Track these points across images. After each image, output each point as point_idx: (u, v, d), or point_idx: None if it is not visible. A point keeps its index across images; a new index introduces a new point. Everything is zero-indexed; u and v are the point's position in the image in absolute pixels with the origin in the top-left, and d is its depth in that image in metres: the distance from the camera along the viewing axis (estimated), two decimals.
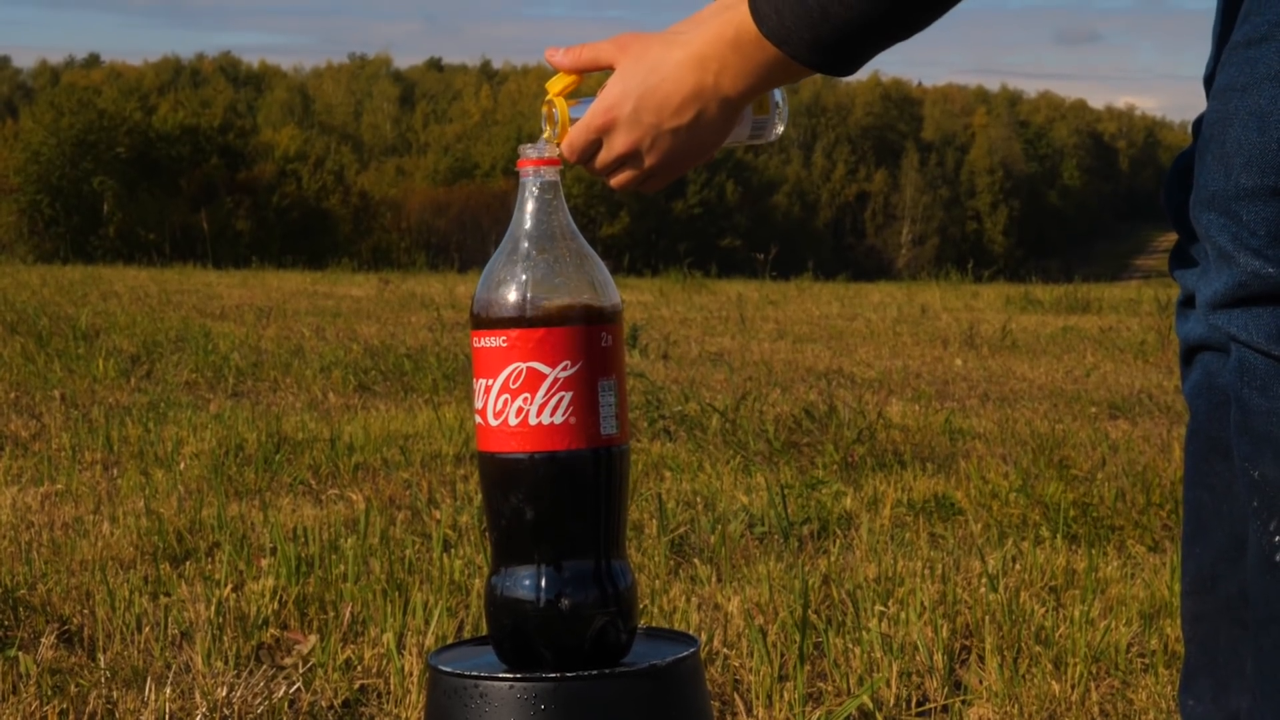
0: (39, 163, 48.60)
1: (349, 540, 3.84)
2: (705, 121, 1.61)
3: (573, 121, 1.64)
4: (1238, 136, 1.43)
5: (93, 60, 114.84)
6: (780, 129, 1.73)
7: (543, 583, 1.59)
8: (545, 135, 1.64)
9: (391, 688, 2.83)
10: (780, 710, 2.76)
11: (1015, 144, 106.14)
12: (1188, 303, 1.70)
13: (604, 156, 1.64)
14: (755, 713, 2.77)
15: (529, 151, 1.63)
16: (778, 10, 1.52)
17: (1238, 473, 1.49)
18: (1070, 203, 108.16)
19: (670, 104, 1.60)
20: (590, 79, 1.69)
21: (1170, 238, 1.76)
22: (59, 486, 4.69)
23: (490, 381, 1.59)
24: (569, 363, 1.58)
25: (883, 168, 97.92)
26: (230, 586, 3.38)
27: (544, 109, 1.66)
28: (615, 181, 1.67)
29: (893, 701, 2.84)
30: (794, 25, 1.51)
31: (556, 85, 1.66)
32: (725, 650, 3.03)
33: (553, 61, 1.70)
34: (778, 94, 1.71)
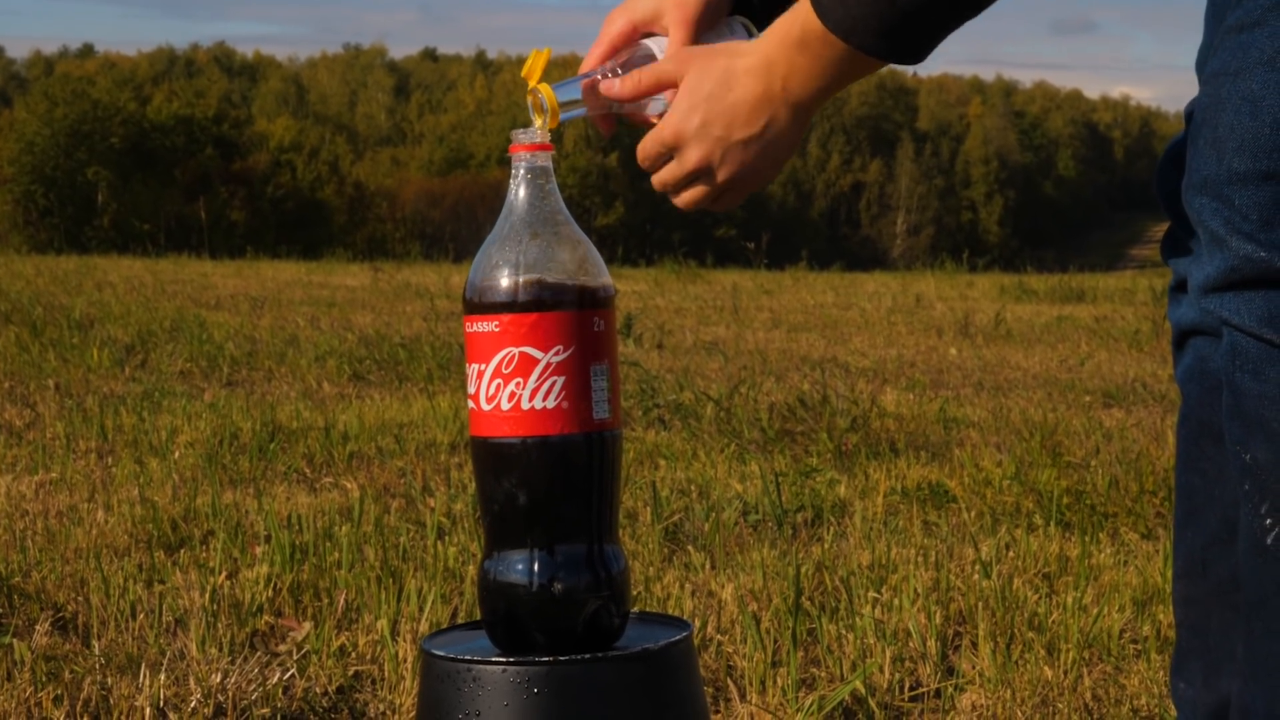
0: (33, 153, 48.60)
1: (343, 528, 3.84)
2: (776, 130, 1.57)
3: (561, 104, 1.64)
4: (1230, 121, 1.44)
5: (87, 50, 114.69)
6: None
7: (535, 567, 1.60)
8: (537, 124, 1.64)
9: (385, 674, 2.83)
10: (773, 696, 2.77)
11: (1010, 134, 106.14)
12: (1180, 288, 1.70)
13: (676, 172, 1.62)
14: (748, 698, 2.77)
15: (521, 137, 1.63)
16: (842, 1, 1.49)
17: (1229, 456, 1.49)
18: (1065, 192, 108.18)
19: (739, 114, 1.57)
20: (564, 62, 1.69)
21: (1164, 227, 1.76)
22: (54, 475, 4.69)
23: (483, 366, 1.59)
24: (561, 347, 1.58)
25: (878, 158, 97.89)
26: (225, 574, 3.39)
27: (529, 99, 1.65)
28: (686, 199, 1.64)
29: (886, 687, 2.85)
30: (860, 14, 1.48)
31: (536, 72, 1.65)
32: (719, 636, 3.04)
33: (612, 94, 1.66)
34: None
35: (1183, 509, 1.72)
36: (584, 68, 1.69)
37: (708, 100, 1.57)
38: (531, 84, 1.64)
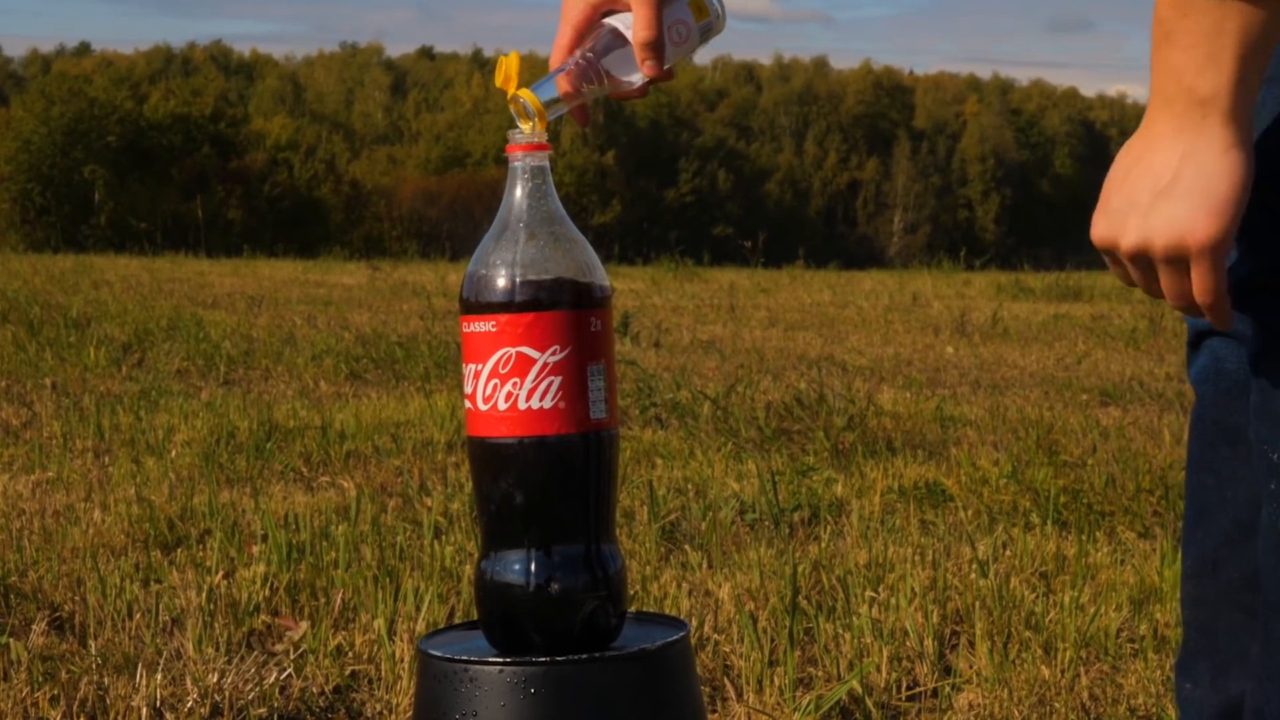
0: (30, 151, 48.57)
1: (340, 527, 3.84)
2: (1197, 155, 1.26)
3: (545, 103, 1.62)
4: (1271, 125, 1.43)
5: (84, 49, 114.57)
6: (724, 21, 1.70)
7: (532, 567, 1.59)
8: (526, 130, 1.63)
9: (382, 673, 2.83)
10: (770, 695, 2.77)
11: (1007, 132, 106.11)
12: None
13: (1133, 268, 1.34)
14: (745, 698, 2.77)
15: (518, 137, 1.62)
16: None
17: (1256, 455, 1.48)
18: (1062, 191, 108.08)
19: (1152, 160, 1.29)
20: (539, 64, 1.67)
21: None
22: (50, 474, 4.68)
23: (480, 366, 1.59)
24: (558, 347, 1.58)
25: (874, 156, 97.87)
26: (221, 573, 3.39)
27: (512, 107, 1.63)
28: (1172, 299, 1.33)
29: (883, 686, 2.85)
30: None
31: (514, 78, 1.63)
32: (716, 636, 3.04)
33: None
34: None
35: (1193, 509, 1.72)
36: (553, 60, 1.68)
37: (1123, 175, 1.31)
38: (511, 91, 1.62)
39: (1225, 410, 1.65)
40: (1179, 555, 1.88)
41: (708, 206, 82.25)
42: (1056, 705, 2.76)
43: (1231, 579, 1.66)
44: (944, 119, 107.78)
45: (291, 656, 2.90)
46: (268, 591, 3.26)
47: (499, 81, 1.63)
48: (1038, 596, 3.33)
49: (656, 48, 1.65)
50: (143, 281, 14.28)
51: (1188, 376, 1.73)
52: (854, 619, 3.09)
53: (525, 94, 1.61)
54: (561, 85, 1.65)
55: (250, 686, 2.70)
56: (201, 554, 3.66)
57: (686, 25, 1.66)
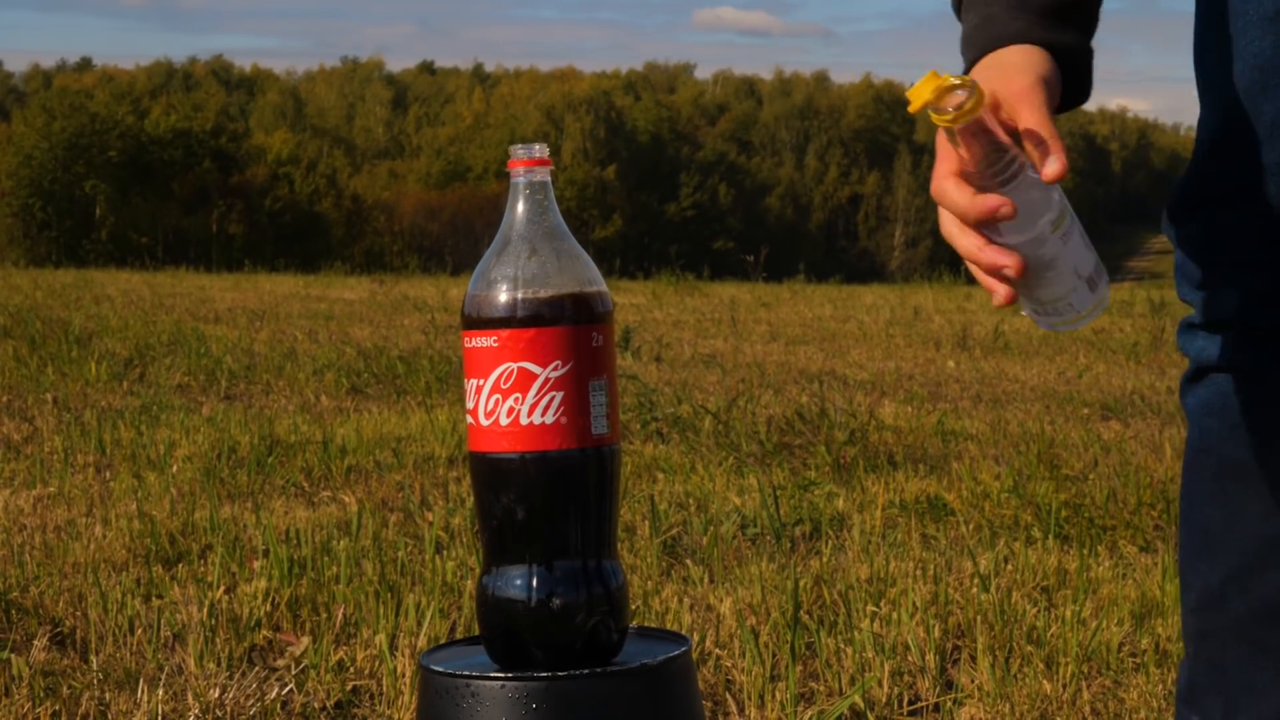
0: (31, 166, 48.71)
1: (341, 542, 3.84)
2: None
3: (955, 107, 1.44)
4: None
5: (85, 64, 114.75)
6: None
7: (534, 582, 1.59)
8: (963, 154, 1.48)
9: (384, 689, 2.83)
10: (772, 710, 2.76)
11: None
12: (1197, 324, 1.69)
13: None
14: (747, 712, 2.77)
15: (519, 152, 1.63)
16: None
17: None
18: None
19: None
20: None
21: (1161, 239, 1.76)
22: (51, 489, 4.68)
23: (481, 382, 1.59)
24: (560, 363, 1.58)
25: (875, 170, 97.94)
26: (223, 588, 3.38)
27: (944, 122, 1.46)
28: None
29: (884, 701, 2.85)
30: None
31: (932, 91, 1.45)
32: (717, 650, 3.03)
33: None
34: None
35: (1195, 542, 1.70)
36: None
37: None
38: (944, 122, 1.48)
39: (1234, 445, 1.65)
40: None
41: (708, 221, 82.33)
42: None
43: (1239, 613, 1.65)
44: None
45: (293, 672, 2.90)
46: (269, 607, 3.26)
47: (924, 97, 1.46)
48: (1039, 611, 3.33)
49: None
50: (144, 296, 14.29)
51: (1184, 406, 1.72)
52: (855, 634, 3.09)
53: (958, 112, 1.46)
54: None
55: (251, 702, 2.69)
56: (203, 569, 3.65)
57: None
